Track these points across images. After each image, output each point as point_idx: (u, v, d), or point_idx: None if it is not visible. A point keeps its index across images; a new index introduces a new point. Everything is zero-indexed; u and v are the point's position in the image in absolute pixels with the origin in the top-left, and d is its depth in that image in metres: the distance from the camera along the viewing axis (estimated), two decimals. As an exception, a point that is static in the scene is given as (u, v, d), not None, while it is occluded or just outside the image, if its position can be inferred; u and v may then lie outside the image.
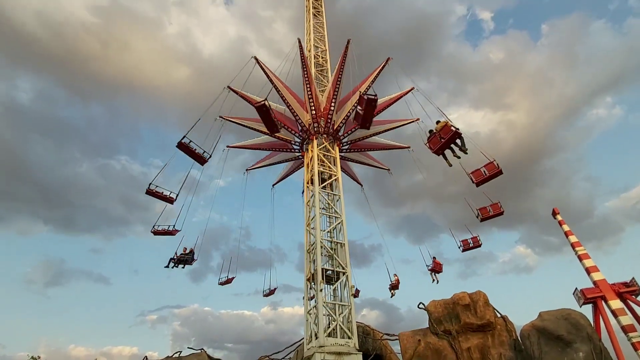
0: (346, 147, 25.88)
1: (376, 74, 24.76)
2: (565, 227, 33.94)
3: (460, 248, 23.19)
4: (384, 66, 24.71)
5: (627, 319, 27.70)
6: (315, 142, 23.50)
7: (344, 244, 20.52)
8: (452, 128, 16.74)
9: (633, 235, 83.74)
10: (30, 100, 73.43)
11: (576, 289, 30.68)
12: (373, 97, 16.78)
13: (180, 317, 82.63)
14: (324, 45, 29.14)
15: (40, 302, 76.05)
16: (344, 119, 23.91)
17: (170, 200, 20.83)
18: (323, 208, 21.81)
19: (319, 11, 31.07)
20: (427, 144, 18.09)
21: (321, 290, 18.46)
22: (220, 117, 23.14)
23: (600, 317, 28.60)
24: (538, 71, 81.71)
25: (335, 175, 23.08)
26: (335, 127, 24.13)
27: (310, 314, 19.11)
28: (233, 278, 26.16)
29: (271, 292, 27.67)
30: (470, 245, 23.12)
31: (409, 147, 27.40)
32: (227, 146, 26.35)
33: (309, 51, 27.99)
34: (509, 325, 19.74)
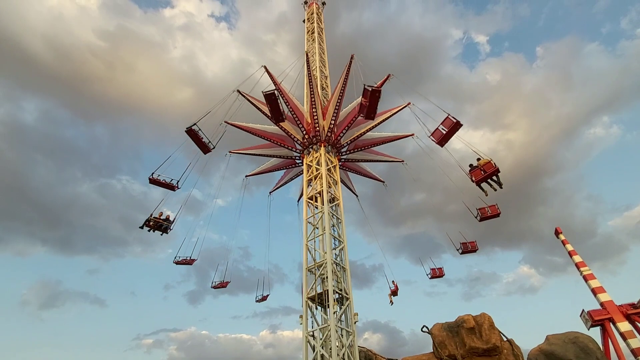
0: (344, 156, 26.11)
1: (393, 112, 25.10)
2: (569, 247, 33.44)
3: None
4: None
5: (637, 342, 26.82)
6: (323, 154, 23.55)
7: (345, 268, 20.15)
8: (494, 165, 19.04)
9: (638, 254, 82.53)
10: (35, 120, 74.29)
11: (583, 310, 29.91)
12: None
13: (176, 341, 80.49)
14: (326, 70, 29.83)
15: (35, 325, 74.27)
16: (344, 129, 24.12)
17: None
18: (324, 231, 21.58)
19: (320, 35, 31.91)
20: (469, 175, 20.11)
21: (335, 312, 17.80)
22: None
23: (609, 340, 27.72)
24: (535, 92, 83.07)
25: (337, 200, 23.02)
26: (335, 136, 24.29)
27: (312, 336, 18.43)
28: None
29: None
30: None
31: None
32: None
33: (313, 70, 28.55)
34: (516, 349, 19.07)
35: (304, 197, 23.39)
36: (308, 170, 24.15)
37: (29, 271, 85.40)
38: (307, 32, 31.86)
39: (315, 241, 21.08)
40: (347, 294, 19.22)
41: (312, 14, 32.54)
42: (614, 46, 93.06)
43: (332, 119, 23.72)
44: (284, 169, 28.04)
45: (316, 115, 23.83)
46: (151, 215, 20.96)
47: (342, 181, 28.10)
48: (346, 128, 24.12)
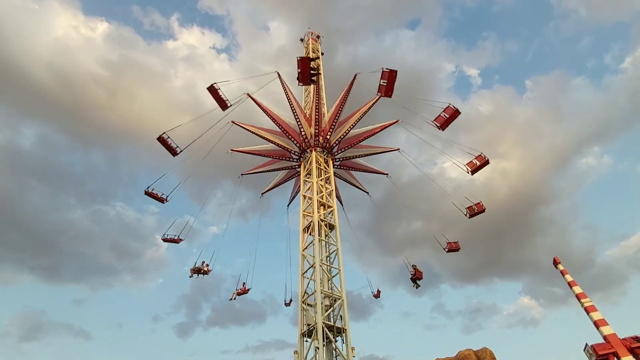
0: (339, 155, 28.51)
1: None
2: (569, 277, 33.00)
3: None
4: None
5: (643, 377, 25.86)
6: (314, 158, 25.75)
7: (342, 298, 19.72)
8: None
9: (639, 285, 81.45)
10: (32, 145, 74.71)
11: (586, 344, 28.98)
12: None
13: (163, 378, 76.45)
14: (323, 98, 30.95)
15: (14, 359, 70.56)
16: (339, 138, 27.03)
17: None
18: (320, 259, 21.30)
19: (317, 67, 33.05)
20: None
21: (324, 346, 17.27)
22: (231, 149, 27.80)
23: (615, 376, 26.74)
24: (526, 122, 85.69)
25: (333, 227, 22.99)
26: (324, 136, 26.89)
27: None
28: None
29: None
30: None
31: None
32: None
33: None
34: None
35: (300, 228, 23.30)
36: (304, 185, 26.07)
37: (13, 301, 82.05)
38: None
39: (310, 272, 20.76)
40: (344, 326, 18.66)
41: (310, 48, 33.96)
42: (599, 80, 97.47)
43: (315, 125, 26.30)
44: (281, 170, 29.97)
45: (301, 125, 26.76)
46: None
47: (349, 182, 30.54)
48: (342, 137, 26.94)
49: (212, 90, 24.75)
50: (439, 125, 24.58)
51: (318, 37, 37.04)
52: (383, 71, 22.60)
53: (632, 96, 74.97)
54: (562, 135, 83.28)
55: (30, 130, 78.57)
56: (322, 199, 23.78)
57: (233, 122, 27.01)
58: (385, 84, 22.78)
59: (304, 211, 23.89)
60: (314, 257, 20.78)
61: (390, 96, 23.50)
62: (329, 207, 23.85)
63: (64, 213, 77.48)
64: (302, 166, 27.07)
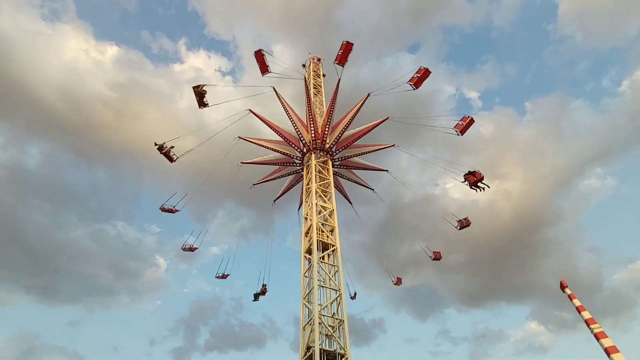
0: (337, 155, 30.68)
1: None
2: (577, 302, 32.10)
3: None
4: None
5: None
6: (313, 161, 27.91)
7: (343, 320, 19.24)
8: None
9: (649, 310, 78.99)
10: (37, 164, 74.61)
11: (598, 375, 27.92)
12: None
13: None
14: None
15: (4, 386, 68.31)
16: (335, 139, 29.39)
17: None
18: (320, 281, 20.93)
19: (318, 90, 33.76)
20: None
21: None
22: (242, 162, 30.52)
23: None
24: (528, 143, 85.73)
25: (333, 246, 22.68)
26: (328, 146, 29.34)
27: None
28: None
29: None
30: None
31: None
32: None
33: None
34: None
35: (302, 250, 23.06)
36: (306, 181, 27.89)
37: (7, 322, 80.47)
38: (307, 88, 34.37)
39: (309, 297, 20.35)
40: (344, 351, 18.09)
41: (311, 71, 34.83)
42: (598, 102, 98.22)
43: (311, 129, 28.80)
44: (287, 175, 32.30)
45: (299, 131, 29.63)
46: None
47: (337, 187, 32.08)
48: (337, 137, 29.19)
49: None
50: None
51: (319, 59, 38.31)
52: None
53: (632, 118, 75.54)
54: (564, 156, 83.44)
55: (35, 149, 79.56)
56: (323, 219, 23.65)
57: (239, 137, 29.97)
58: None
59: (305, 232, 23.72)
60: (312, 279, 20.46)
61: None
62: (330, 227, 23.68)
63: (64, 231, 77.26)
64: (304, 169, 29.37)
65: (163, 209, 28.07)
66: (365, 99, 29.98)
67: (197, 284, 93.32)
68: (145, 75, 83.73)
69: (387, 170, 32.61)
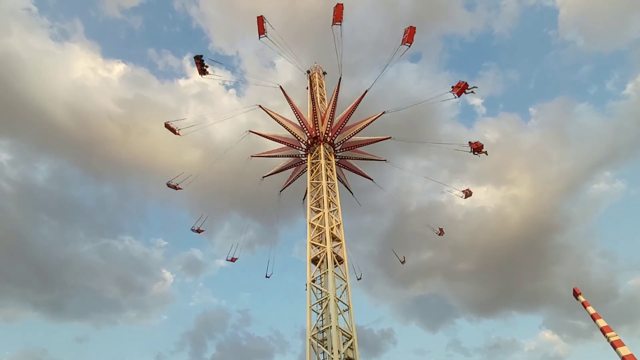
0: (340, 153, 32.92)
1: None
2: (591, 310, 31.34)
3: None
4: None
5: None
6: (322, 150, 30.09)
7: (352, 334, 18.94)
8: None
9: (667, 317, 76.62)
10: (46, 180, 76.35)
11: (617, 383, 27.02)
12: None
13: None
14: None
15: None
16: (337, 128, 31.49)
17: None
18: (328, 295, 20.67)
19: (323, 98, 34.09)
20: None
21: None
22: (252, 155, 33.08)
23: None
24: (534, 148, 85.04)
25: (341, 259, 22.56)
26: (330, 137, 31.49)
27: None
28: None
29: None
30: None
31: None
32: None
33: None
34: None
35: (308, 259, 22.87)
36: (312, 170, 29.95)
37: (15, 338, 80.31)
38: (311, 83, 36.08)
39: (317, 305, 20.09)
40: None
41: (315, 83, 35.42)
42: (603, 106, 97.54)
43: (315, 123, 31.22)
44: (293, 167, 34.37)
45: (303, 123, 32.21)
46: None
47: (353, 170, 34.12)
48: (339, 128, 31.65)
49: (197, 59, 28.66)
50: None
51: (324, 72, 39.06)
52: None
53: (639, 121, 74.74)
54: (571, 160, 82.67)
55: (44, 166, 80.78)
56: (332, 230, 23.44)
57: (250, 131, 33.14)
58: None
59: (311, 240, 23.57)
60: (327, 292, 20.18)
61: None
62: (338, 240, 23.52)
63: (72, 247, 77.86)
64: (308, 156, 31.45)
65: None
66: (363, 95, 31.55)
67: (203, 297, 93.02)
68: (151, 91, 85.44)
69: (385, 160, 34.56)
